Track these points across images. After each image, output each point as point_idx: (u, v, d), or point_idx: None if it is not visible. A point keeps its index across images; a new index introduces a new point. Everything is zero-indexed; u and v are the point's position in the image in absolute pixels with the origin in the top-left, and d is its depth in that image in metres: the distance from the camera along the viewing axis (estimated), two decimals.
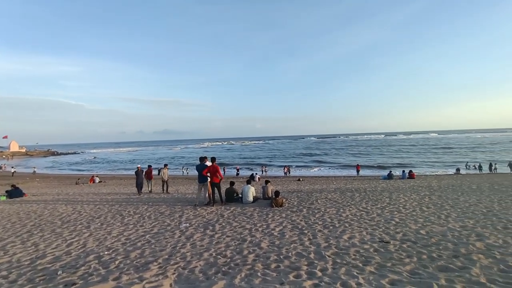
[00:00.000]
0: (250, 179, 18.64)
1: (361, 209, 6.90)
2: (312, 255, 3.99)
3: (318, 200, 8.37)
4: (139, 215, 7.28)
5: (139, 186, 12.64)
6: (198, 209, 7.68)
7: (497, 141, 68.33)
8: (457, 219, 5.55)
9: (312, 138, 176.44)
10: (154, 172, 14.49)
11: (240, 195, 8.56)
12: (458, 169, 26.88)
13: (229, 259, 3.97)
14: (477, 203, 7.10)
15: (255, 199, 8.47)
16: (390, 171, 21.88)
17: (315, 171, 31.88)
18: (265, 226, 5.69)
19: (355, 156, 49.50)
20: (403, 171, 20.95)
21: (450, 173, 26.21)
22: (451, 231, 4.79)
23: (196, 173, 8.72)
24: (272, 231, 5.30)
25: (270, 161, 46.58)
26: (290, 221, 6.03)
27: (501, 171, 25.92)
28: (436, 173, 26.25)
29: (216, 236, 5.18)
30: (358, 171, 27.78)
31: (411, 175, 19.88)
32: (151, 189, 13.24)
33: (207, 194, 8.35)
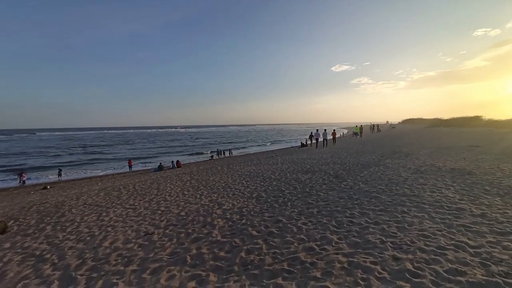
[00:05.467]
0: None
1: (128, 206, 6.50)
2: (55, 284, 3.03)
3: (73, 209, 6.71)
4: None
5: None
6: None
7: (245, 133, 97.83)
8: (207, 196, 6.98)
9: (52, 133, 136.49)
10: None
11: None
12: (212, 155, 34.74)
13: None
14: (220, 180, 9.48)
15: None
16: (160, 163, 23.24)
17: (72, 173, 25.73)
18: None
19: (127, 150, 46.73)
20: (172, 162, 23.18)
21: (206, 159, 33.24)
22: (202, 206, 5.89)
23: None
24: None
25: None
26: (20, 250, 4.20)
27: (234, 154, 37.43)
28: (197, 160, 32.05)
29: None
30: (130, 166, 26.51)
31: (178, 165, 22.52)
32: None
33: None
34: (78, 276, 3.16)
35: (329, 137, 22.97)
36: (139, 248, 3.84)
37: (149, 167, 26.21)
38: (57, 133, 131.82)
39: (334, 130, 24.96)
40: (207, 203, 6.11)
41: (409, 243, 3.22)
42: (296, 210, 4.96)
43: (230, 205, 5.78)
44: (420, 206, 4.60)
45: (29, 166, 28.62)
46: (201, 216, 5.14)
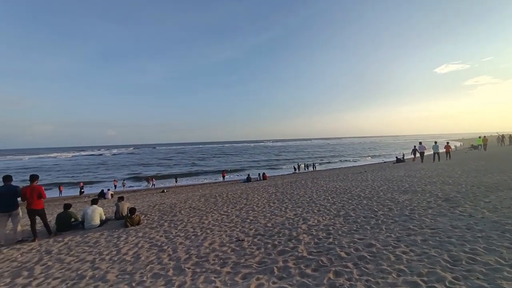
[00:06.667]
0: (99, 198, 15.50)
1: (223, 213, 7.31)
2: (170, 272, 3.70)
3: (182, 211, 8.10)
4: None
5: None
6: (4, 251, 5.31)
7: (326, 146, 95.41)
8: (292, 209, 7.04)
9: (167, 147, 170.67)
10: None
11: (81, 220, 6.77)
12: (296, 169, 34.86)
13: None
14: (304, 194, 9.39)
15: (104, 221, 6.98)
16: (249, 175, 25.00)
17: (183, 180, 31.05)
18: (114, 252, 4.75)
19: (222, 162, 52.83)
20: (259, 174, 24.59)
21: (290, 172, 33.56)
22: (288, 219, 5.97)
23: None
24: (124, 256, 4.50)
25: (134, 172, 40.79)
26: (148, 239, 5.39)
27: (318, 169, 36.32)
28: (281, 173, 32.78)
29: (35, 283, 3.74)
30: (223, 176, 29.76)
31: (264, 177, 23.66)
32: None
33: (19, 227, 5.92)
34: (186, 269, 3.77)
35: (441, 150, 19.38)
36: (232, 252, 4.24)
37: (239, 178, 28.64)
38: (172, 147, 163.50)
39: (447, 142, 20.84)
40: (292, 217, 6.16)
41: None
42: (393, 235, 4.35)
43: (316, 221, 5.63)
44: None
45: (152, 174, 36.36)
46: (286, 229, 5.22)
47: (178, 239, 5.24)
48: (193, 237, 5.28)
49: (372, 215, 5.67)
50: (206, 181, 29.09)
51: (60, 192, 25.15)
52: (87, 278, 3.76)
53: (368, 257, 3.56)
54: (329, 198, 8.10)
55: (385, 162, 33.02)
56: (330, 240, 4.37)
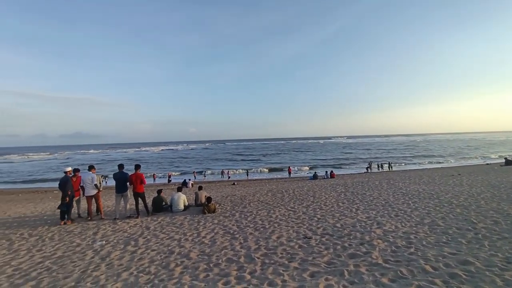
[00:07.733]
0: (182, 186, 17.78)
1: (289, 208, 7.39)
2: (242, 259, 4.01)
3: (251, 203, 8.57)
4: (37, 237, 5.91)
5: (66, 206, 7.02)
6: (119, 223, 6.79)
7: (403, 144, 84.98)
8: (364, 211, 6.54)
9: (237, 143, 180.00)
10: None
11: (170, 204, 8.00)
12: (368, 168, 31.95)
13: (153, 276, 3.62)
14: (378, 196, 8.55)
15: (187, 206, 8.06)
16: (315, 172, 24.29)
17: (251, 174, 32.71)
18: (195, 235, 5.44)
19: (288, 159, 53.13)
20: (326, 172, 23.62)
21: (362, 171, 30.97)
22: (359, 222, 5.59)
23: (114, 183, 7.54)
24: (203, 239, 5.11)
25: (210, 165, 45.51)
26: (222, 226, 5.95)
27: (394, 169, 32.30)
28: (351, 172, 30.60)
29: (139, 251, 4.66)
30: (289, 173, 29.89)
31: (332, 175, 22.60)
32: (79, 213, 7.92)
33: (128, 206, 7.46)
34: (256, 258, 4.01)
35: None
36: (300, 249, 4.27)
37: (305, 175, 28.23)
38: (241, 143, 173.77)
39: None
40: (364, 220, 5.73)
41: None
42: (499, 254, 3.55)
43: (393, 227, 5.08)
44: None
45: (224, 168, 39.56)
46: (357, 232, 4.90)
47: (248, 229, 5.60)
48: (261, 229, 5.55)
49: (469, 227, 4.74)
50: (272, 176, 29.80)
51: (154, 179, 30.24)
52: (175, 253, 4.44)
53: (464, 276, 3.01)
54: (410, 202, 7.15)
55: (488, 164, 26.74)
56: (412, 250, 3.89)
